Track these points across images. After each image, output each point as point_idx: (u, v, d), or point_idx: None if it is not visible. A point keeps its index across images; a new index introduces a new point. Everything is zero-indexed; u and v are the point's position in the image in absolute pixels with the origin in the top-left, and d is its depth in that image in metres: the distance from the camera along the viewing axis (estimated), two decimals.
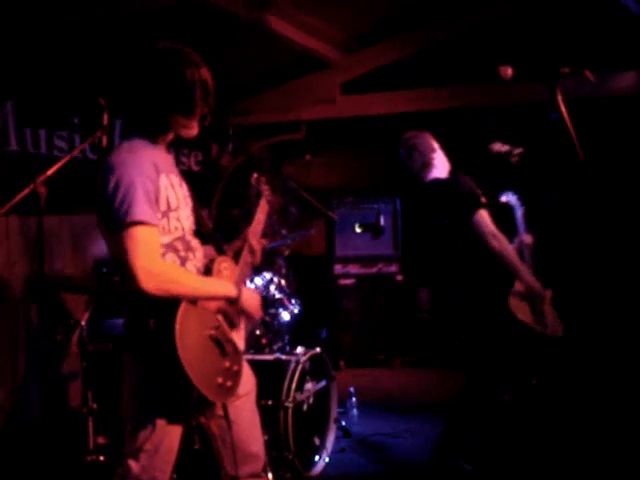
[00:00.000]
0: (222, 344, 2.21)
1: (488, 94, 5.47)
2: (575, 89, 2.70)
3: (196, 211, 2.35)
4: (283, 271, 4.34)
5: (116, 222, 2.03)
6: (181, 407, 2.19)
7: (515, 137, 3.47)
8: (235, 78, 5.29)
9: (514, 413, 3.53)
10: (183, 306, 2.09)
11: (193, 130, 2.23)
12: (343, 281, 6.61)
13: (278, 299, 4.16)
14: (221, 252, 2.45)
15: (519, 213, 3.71)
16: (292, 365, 3.72)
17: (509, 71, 2.50)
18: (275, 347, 4.06)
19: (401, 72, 5.74)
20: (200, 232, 2.38)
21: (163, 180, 2.15)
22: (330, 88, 5.96)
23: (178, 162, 5.62)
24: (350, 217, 6.64)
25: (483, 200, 3.23)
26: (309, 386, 3.85)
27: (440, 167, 3.50)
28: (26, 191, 3.07)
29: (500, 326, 3.23)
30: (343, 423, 4.47)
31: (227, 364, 2.22)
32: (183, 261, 2.22)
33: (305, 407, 3.81)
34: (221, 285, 2.30)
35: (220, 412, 2.36)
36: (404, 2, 5.07)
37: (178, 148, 5.69)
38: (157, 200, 2.12)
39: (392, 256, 6.57)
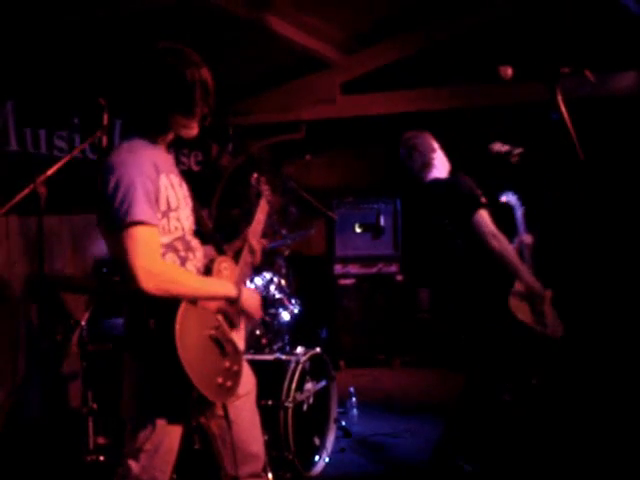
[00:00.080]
0: (222, 344, 2.21)
1: (488, 94, 5.46)
2: (575, 89, 2.70)
3: (196, 211, 2.35)
4: (283, 271, 4.34)
5: (116, 222, 2.03)
6: (181, 407, 2.19)
7: (515, 137, 3.47)
8: (235, 78, 5.29)
9: (514, 413, 3.53)
10: (183, 306, 2.08)
11: (193, 130, 2.23)
12: (343, 281, 6.60)
13: (278, 299, 4.16)
14: (221, 252, 2.45)
15: (519, 213, 3.71)
16: (292, 365, 3.72)
17: (509, 71, 2.50)
18: (275, 347, 4.06)
19: (401, 72, 5.73)
20: (200, 232, 2.38)
21: (163, 180, 2.15)
22: (330, 88, 5.95)
23: (178, 162, 5.62)
24: (350, 217, 6.63)
25: (483, 200, 3.23)
26: (309, 386, 3.85)
27: (440, 167, 3.50)
28: (26, 191, 3.07)
29: (500, 326, 3.23)
30: (343, 423, 4.46)
31: (227, 364, 2.22)
32: (183, 261, 2.22)
33: (305, 407, 3.81)
34: (221, 285, 2.30)
35: (220, 412, 2.36)
36: (404, 2, 5.07)
37: (178, 148, 5.69)
38: (157, 200, 2.12)
39: (392, 256, 6.56)
